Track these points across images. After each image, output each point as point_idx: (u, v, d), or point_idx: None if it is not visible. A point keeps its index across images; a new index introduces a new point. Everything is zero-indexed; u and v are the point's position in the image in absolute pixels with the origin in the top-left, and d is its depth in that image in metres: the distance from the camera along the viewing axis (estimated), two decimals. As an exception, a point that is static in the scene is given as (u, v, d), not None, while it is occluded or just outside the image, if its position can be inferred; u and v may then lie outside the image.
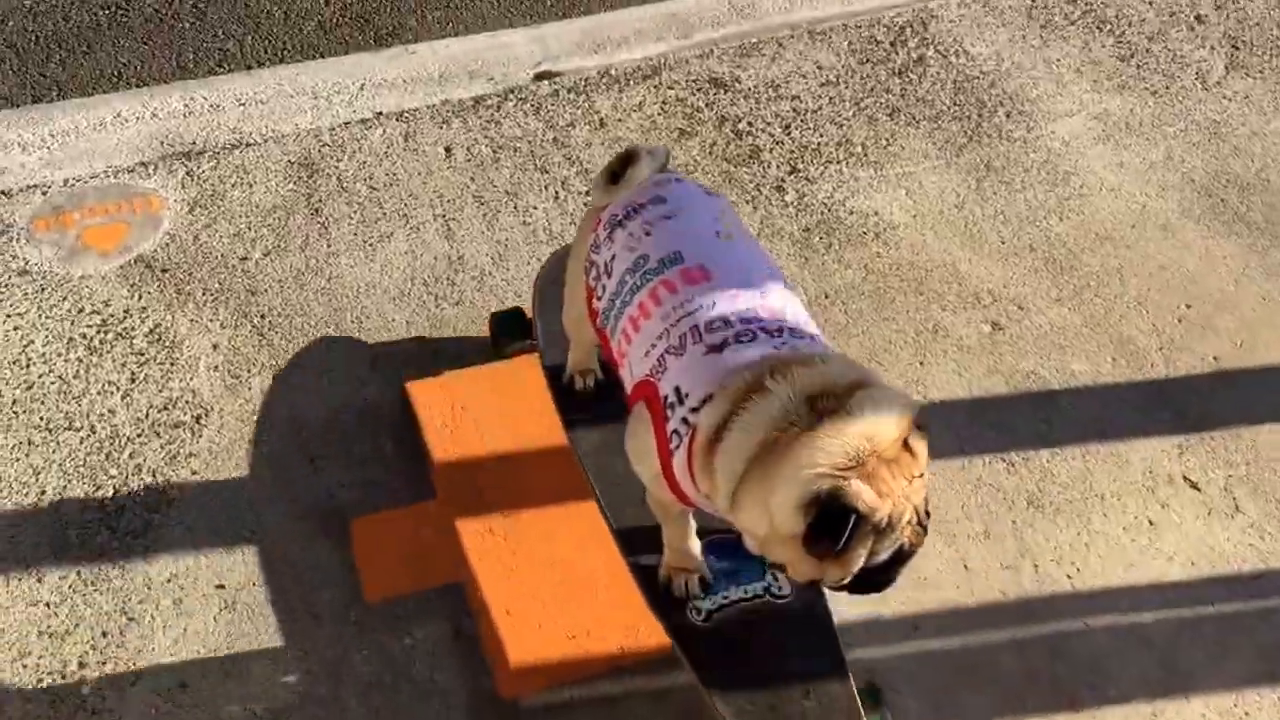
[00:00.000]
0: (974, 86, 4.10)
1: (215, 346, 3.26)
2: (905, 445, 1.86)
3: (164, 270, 3.45)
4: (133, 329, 3.29)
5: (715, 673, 2.27)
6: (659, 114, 3.97)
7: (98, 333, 3.28)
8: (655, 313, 2.13)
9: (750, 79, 4.11)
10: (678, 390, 2.02)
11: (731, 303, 2.08)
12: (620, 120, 3.94)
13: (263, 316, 3.33)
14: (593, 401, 2.73)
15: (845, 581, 1.92)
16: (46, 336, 3.26)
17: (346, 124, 3.93)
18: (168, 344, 3.25)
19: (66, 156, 3.84)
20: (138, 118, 3.98)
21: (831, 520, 1.81)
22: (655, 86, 4.08)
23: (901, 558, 1.92)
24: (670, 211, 2.26)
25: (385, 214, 3.62)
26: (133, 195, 3.68)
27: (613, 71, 4.15)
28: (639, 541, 2.45)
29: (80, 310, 3.33)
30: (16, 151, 3.85)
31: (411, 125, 3.93)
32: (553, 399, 2.78)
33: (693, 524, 2.36)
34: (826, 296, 3.40)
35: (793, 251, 3.52)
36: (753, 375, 1.93)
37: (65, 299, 3.36)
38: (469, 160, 3.82)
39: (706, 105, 4.01)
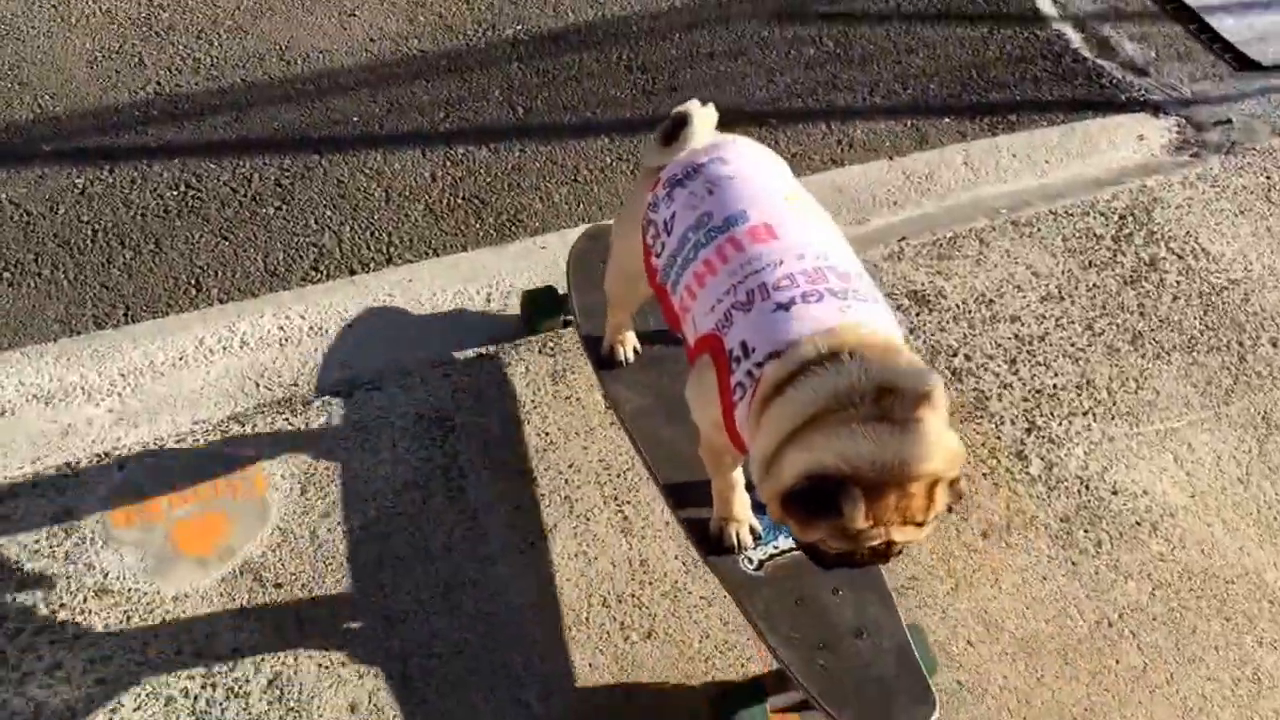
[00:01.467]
0: (1225, 302, 3.39)
1: (353, 708, 2.53)
2: (930, 487, 1.89)
3: (276, 584, 2.74)
4: (245, 681, 2.57)
5: (768, 616, 2.34)
6: (857, 345, 3.24)
7: (203, 688, 2.56)
8: (721, 269, 2.16)
9: (956, 291, 3.39)
10: (744, 345, 2.07)
11: (798, 262, 2.11)
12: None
13: (406, 658, 2.62)
14: (632, 371, 2.85)
15: (798, 542, 2.05)
16: (139, 697, 2.54)
17: (480, 355, 3.20)
18: (292, 703, 2.52)
19: (143, 407, 3.13)
20: (224, 347, 3.27)
21: (813, 499, 1.90)
22: (845, 303, 3.34)
23: (851, 561, 2.03)
24: (733, 172, 2.29)
25: (543, 492, 2.89)
26: (230, 468, 2.97)
27: None
28: (686, 497, 2.54)
29: (179, 652, 2.62)
30: (80, 400, 3.13)
31: (557, 356, 3.19)
32: (592, 367, 2.90)
33: (742, 477, 2.40)
34: (1110, 624, 2.70)
35: (1054, 552, 2.82)
36: (827, 343, 1.97)
37: (158, 634, 2.67)
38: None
39: (911, 329, 3.29)
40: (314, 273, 3.54)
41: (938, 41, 4.44)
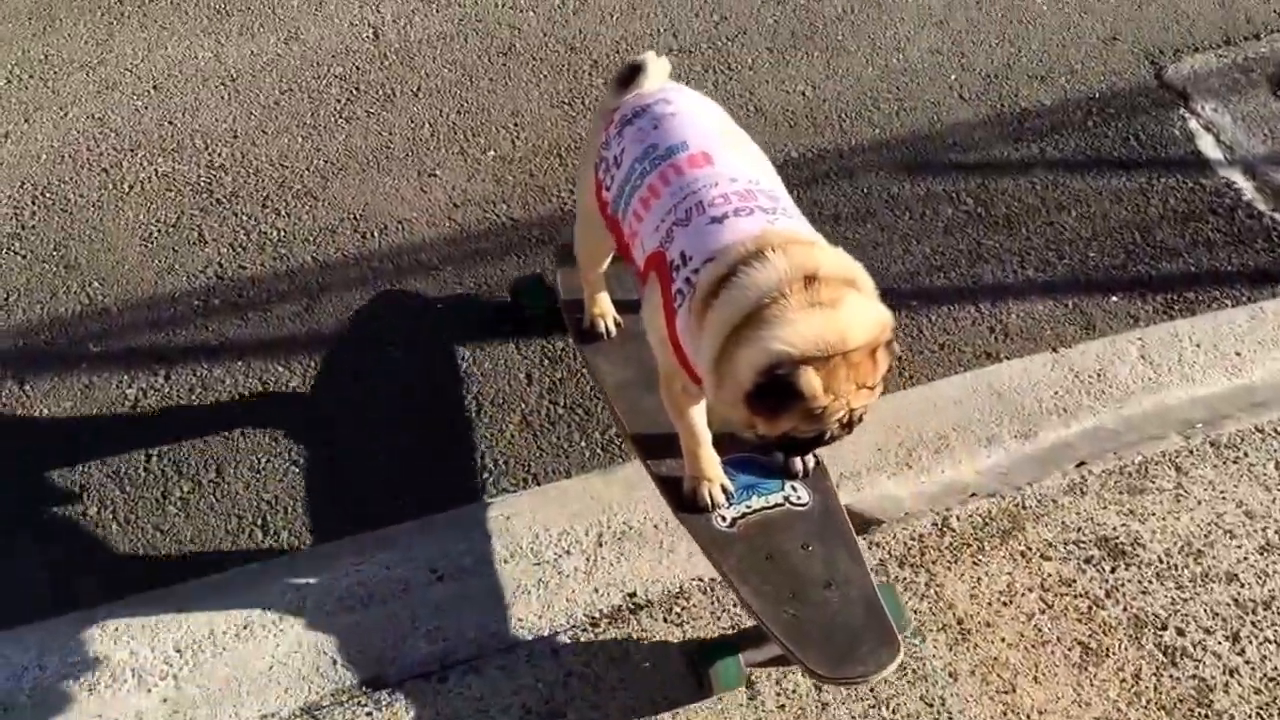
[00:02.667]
0: None
1: None
2: (871, 354, 2.12)
3: None
4: None
5: (739, 570, 2.43)
6: (1042, 611, 2.70)
7: None
8: (664, 192, 2.40)
9: (1156, 539, 2.84)
10: (683, 254, 2.29)
11: (731, 184, 2.35)
12: (989, 625, 2.77)
13: None
14: (613, 344, 2.99)
15: (771, 439, 2.22)
16: None
17: (593, 621, 2.67)
18: None
19: (202, 695, 2.67)
20: (295, 610, 2.79)
21: (775, 390, 2.09)
22: (1020, 553, 2.83)
23: (821, 441, 2.23)
24: (675, 110, 2.54)
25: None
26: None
27: (949, 519, 2.86)
28: (662, 457, 2.64)
29: None
30: (130, 684, 2.64)
31: (685, 625, 2.73)
32: (572, 336, 3.06)
33: (708, 434, 2.53)
34: None
35: None
36: (754, 244, 2.18)
37: None
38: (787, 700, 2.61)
39: (1104, 591, 2.75)
40: (396, 506, 3.02)
41: (1090, 196, 3.89)
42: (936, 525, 2.91)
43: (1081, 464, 3.04)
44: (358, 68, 4.39)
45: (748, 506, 2.58)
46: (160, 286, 3.60)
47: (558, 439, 3.22)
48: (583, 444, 3.21)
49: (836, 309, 2.11)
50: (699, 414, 2.52)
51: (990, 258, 3.70)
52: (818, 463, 2.65)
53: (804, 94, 4.30)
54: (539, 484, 3.11)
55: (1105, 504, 2.94)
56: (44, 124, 4.14)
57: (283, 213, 3.84)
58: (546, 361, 3.39)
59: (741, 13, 4.66)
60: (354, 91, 4.28)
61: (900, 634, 2.39)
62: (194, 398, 3.30)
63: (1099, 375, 3.33)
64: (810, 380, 2.09)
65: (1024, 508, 2.93)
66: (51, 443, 3.21)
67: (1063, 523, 2.90)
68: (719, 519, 2.56)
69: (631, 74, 2.70)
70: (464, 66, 4.40)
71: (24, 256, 3.68)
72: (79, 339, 3.46)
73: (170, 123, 4.14)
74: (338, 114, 4.19)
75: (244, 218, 3.81)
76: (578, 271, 3.04)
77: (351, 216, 3.83)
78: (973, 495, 2.99)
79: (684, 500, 2.58)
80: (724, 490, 2.59)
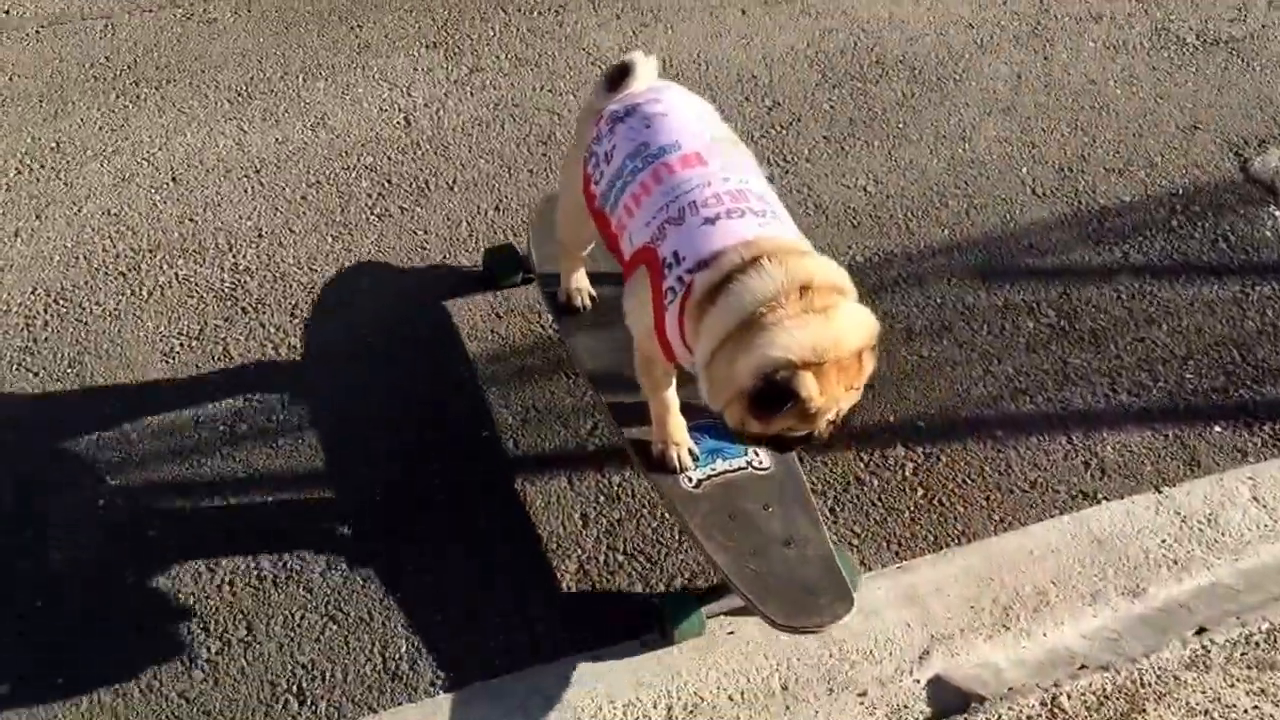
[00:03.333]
0: None
1: None
2: (858, 357, 2.28)
3: None
4: None
5: (704, 527, 2.61)
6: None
7: None
8: (656, 190, 2.49)
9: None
10: (675, 254, 2.39)
11: (724, 184, 2.45)
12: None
13: None
14: (588, 317, 3.13)
15: (758, 437, 2.38)
16: None
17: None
18: None
19: None
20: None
21: (773, 394, 2.24)
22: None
23: (809, 440, 2.40)
24: (666, 110, 2.64)
25: None
26: None
27: (1058, 697, 2.56)
28: (633, 422, 2.82)
29: None
30: None
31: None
32: (547, 308, 3.26)
33: (676, 400, 2.71)
34: None
35: None
36: (749, 251, 2.30)
37: None
38: None
39: (1241, 791, 2.41)
40: (444, 674, 2.72)
41: (1181, 306, 3.60)
42: (1045, 705, 2.61)
43: (1201, 630, 2.74)
44: (389, 158, 4.12)
45: (713, 469, 2.75)
46: (183, 409, 3.30)
47: (618, 590, 2.92)
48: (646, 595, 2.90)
49: (830, 316, 2.25)
50: (670, 388, 2.71)
51: (1078, 379, 3.41)
52: None
53: (866, 189, 4.02)
54: (600, 644, 2.79)
55: (1233, 681, 2.65)
56: (56, 220, 3.86)
57: (313, 325, 3.54)
58: (603, 499, 3.11)
59: (794, 97, 4.40)
60: (385, 184, 4.01)
61: (854, 591, 2.56)
62: (220, 541, 2.99)
63: (1210, 520, 3.03)
64: (808, 384, 2.23)
65: (1142, 684, 2.64)
66: (67, 589, 2.90)
67: (1187, 703, 2.60)
68: (686, 480, 2.72)
69: (621, 74, 2.80)
70: (501, 156, 4.13)
71: (37, 374, 3.40)
72: (96, 469, 3.15)
73: (191, 219, 3.87)
74: (369, 209, 3.92)
75: (271, 330, 3.53)
76: (553, 244, 3.20)
77: (385, 328, 3.53)
78: (1082, 667, 2.70)
79: (653, 462, 2.74)
80: (691, 454, 2.74)
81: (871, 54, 4.62)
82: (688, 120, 2.64)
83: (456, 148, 4.14)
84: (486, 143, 4.19)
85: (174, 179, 4.04)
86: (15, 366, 3.43)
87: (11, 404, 3.33)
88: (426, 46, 4.66)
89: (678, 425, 2.75)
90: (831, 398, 2.28)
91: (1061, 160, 4.16)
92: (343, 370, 3.43)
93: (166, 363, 3.46)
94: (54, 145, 4.17)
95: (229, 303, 3.63)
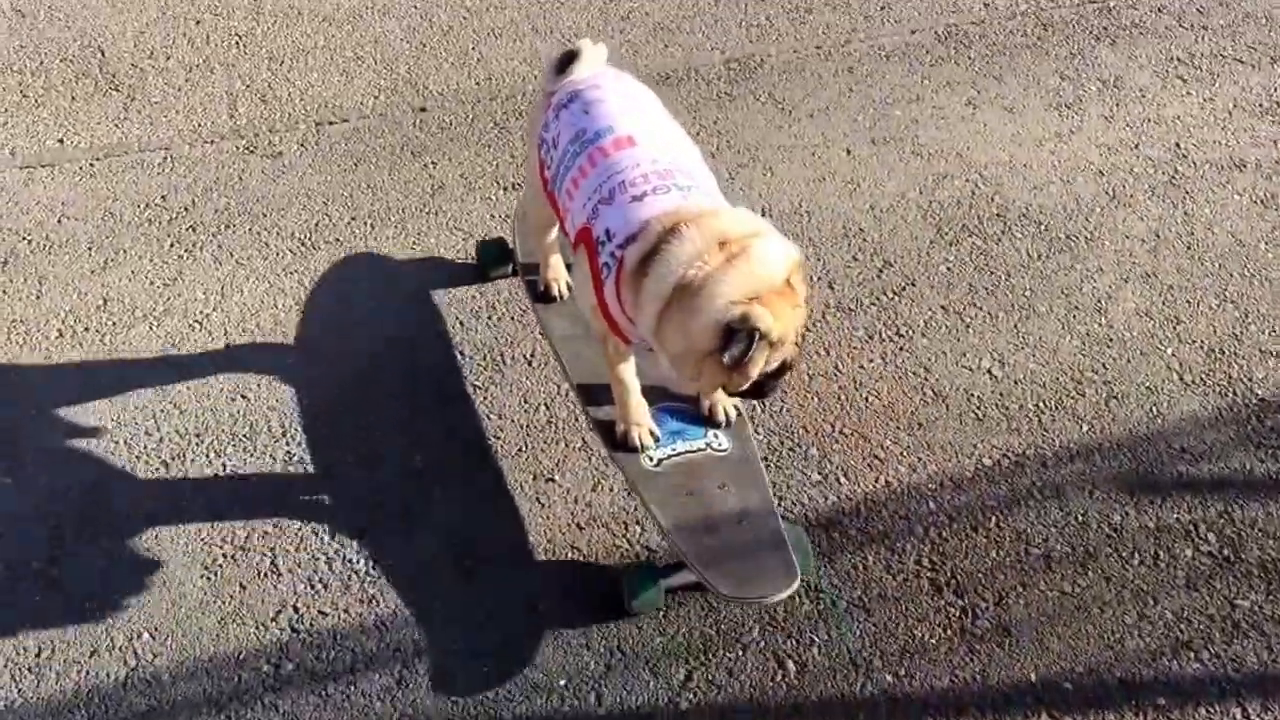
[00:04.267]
0: None
1: None
2: (789, 282, 2.49)
3: None
4: None
5: (662, 504, 2.78)
6: None
7: None
8: (591, 172, 2.70)
9: None
10: (607, 231, 2.60)
11: (652, 165, 2.66)
12: None
13: None
14: (563, 305, 3.34)
15: (744, 388, 2.55)
16: None
17: None
18: None
19: None
20: None
21: (740, 341, 2.41)
22: None
23: (785, 368, 2.58)
24: (604, 96, 2.84)
25: None
26: None
27: None
28: (603, 403, 2.99)
29: None
30: None
31: None
32: (528, 295, 3.45)
33: (637, 383, 2.89)
34: None
35: None
36: (670, 221, 2.52)
37: None
38: None
39: None
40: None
41: (1366, 533, 3.07)
42: None
43: None
44: (461, 322, 3.71)
45: (673, 449, 2.90)
46: (223, 640, 2.92)
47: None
48: None
49: (748, 256, 2.45)
50: (629, 369, 2.85)
51: (1250, 629, 2.93)
52: (739, 413, 2.99)
53: (990, 372, 3.56)
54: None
55: None
56: (98, 400, 3.47)
57: (371, 536, 3.12)
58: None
59: (907, 256, 3.96)
60: (459, 355, 3.59)
61: (803, 575, 2.75)
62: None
63: None
64: (763, 315, 2.41)
65: None
66: None
67: None
68: (647, 459, 2.87)
69: (567, 60, 2.95)
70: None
71: (62, 594, 2.99)
72: (123, 718, 2.74)
73: (243, 396, 3.49)
74: (435, 389, 3.49)
75: (324, 540, 3.10)
76: (531, 238, 3.38)
77: (454, 541, 3.10)
78: None
79: (616, 441, 2.91)
80: (652, 434, 2.90)
81: (991, 205, 4.16)
82: (623, 105, 2.82)
83: (530, 318, 3.72)
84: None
85: (226, 346, 3.66)
86: (38, 585, 3.07)
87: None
88: (504, 189, 4.26)
89: (638, 407, 2.92)
90: (785, 321, 2.47)
91: (1210, 339, 3.67)
92: (403, 593, 3.01)
93: (207, 579, 3.12)
94: (101, 302, 3.83)
95: (277, 501, 3.21)
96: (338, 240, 4.08)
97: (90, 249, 4.06)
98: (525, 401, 3.53)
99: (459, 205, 4.22)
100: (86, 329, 3.77)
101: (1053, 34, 5.05)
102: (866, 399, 3.50)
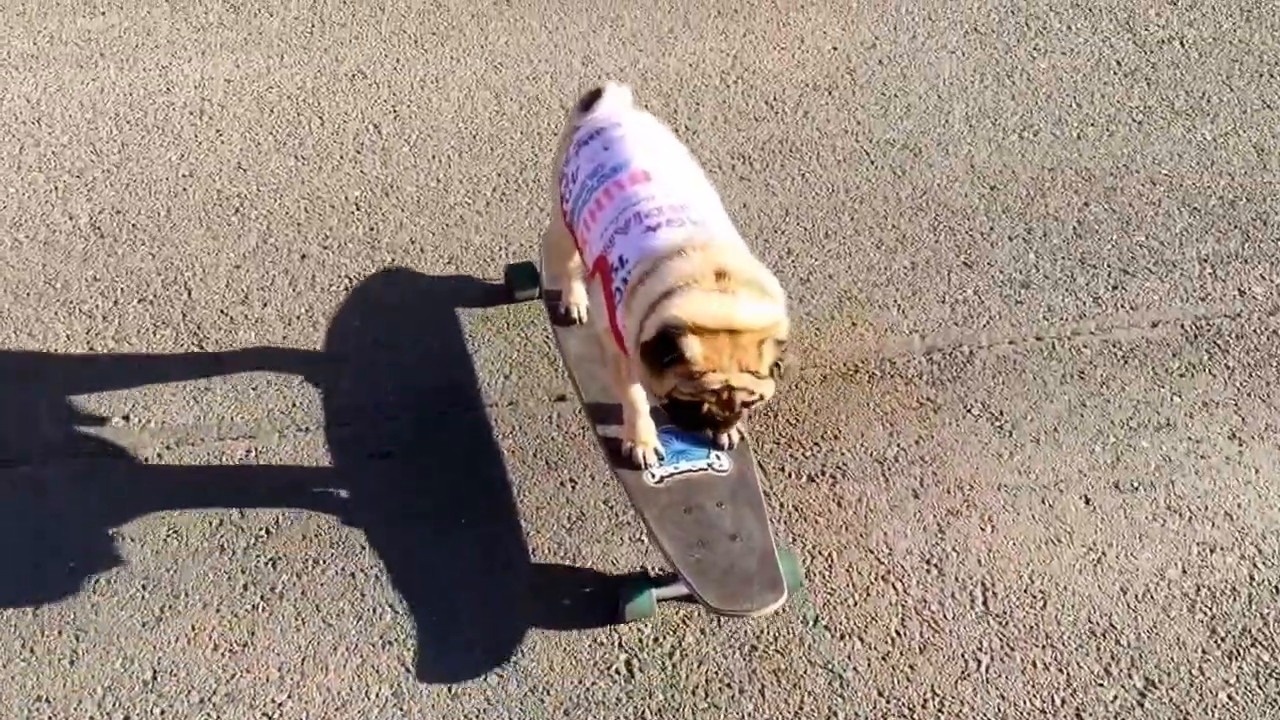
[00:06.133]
0: None
1: None
2: (759, 343, 2.62)
3: None
4: None
5: (660, 519, 2.95)
6: None
7: None
8: (608, 205, 2.89)
9: None
10: (620, 258, 2.79)
11: (667, 198, 2.84)
12: None
13: None
14: (581, 328, 3.53)
15: (664, 400, 2.74)
16: None
17: None
18: None
19: None
20: None
21: (661, 346, 2.62)
22: None
23: (702, 416, 2.74)
24: (624, 134, 3.05)
25: None
26: None
27: None
28: (611, 421, 3.18)
29: None
30: None
31: None
32: (549, 319, 3.66)
33: (646, 405, 3.06)
34: None
35: None
36: (680, 245, 2.71)
37: None
38: None
39: None
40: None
41: None
42: None
43: None
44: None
45: (675, 468, 3.08)
46: None
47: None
48: None
49: (733, 296, 2.62)
50: (638, 390, 3.00)
51: None
52: (742, 437, 3.14)
53: None
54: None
55: None
56: None
57: None
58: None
59: (1175, 673, 3.10)
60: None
61: (790, 591, 2.92)
62: None
63: None
64: (691, 343, 2.59)
65: None
66: None
67: None
68: (649, 476, 3.07)
69: (592, 99, 3.19)
70: None
71: None
72: None
73: None
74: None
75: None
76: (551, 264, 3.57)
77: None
78: None
79: (620, 458, 3.09)
80: (656, 453, 3.09)
81: (1278, 599, 3.17)
82: (641, 141, 3.01)
83: None
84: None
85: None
86: None
87: None
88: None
89: (646, 427, 3.08)
90: (718, 367, 2.60)
91: None
92: None
93: None
94: (149, 677, 2.96)
95: None
96: (443, 606, 3.18)
97: (145, 586, 3.23)
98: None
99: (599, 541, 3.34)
100: (126, 715, 2.88)
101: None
102: None
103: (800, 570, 3.18)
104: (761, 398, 2.74)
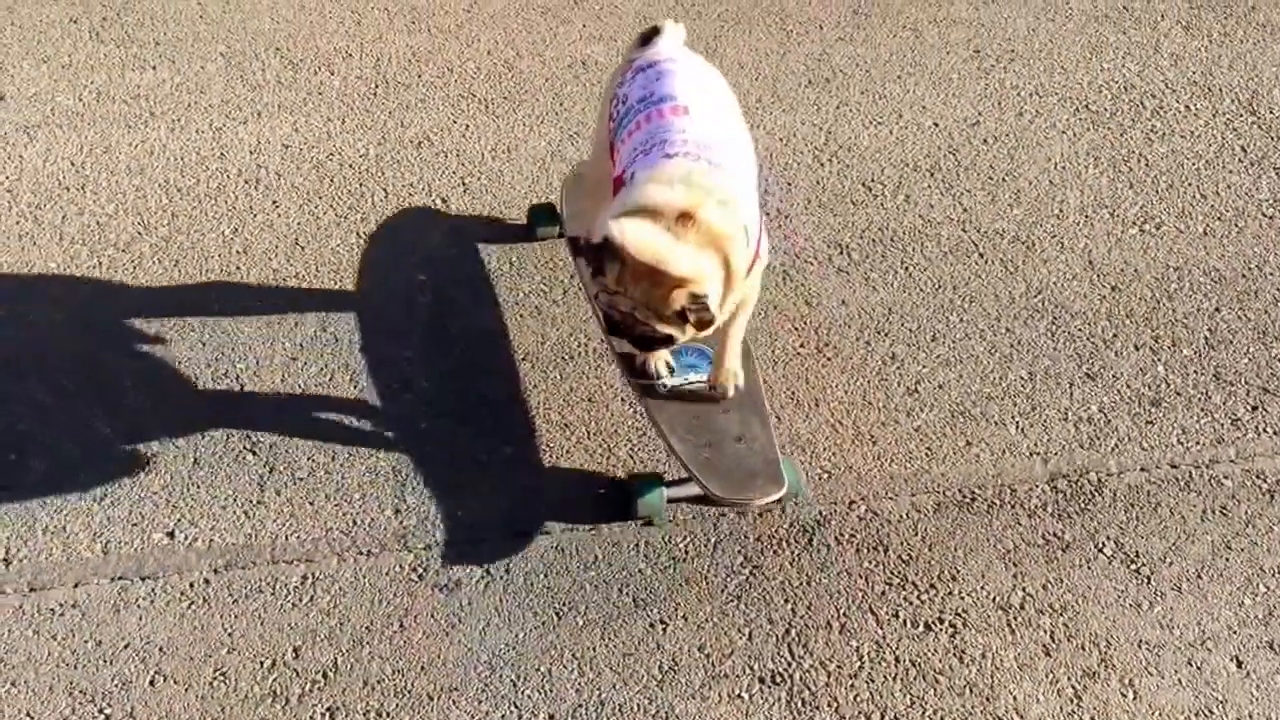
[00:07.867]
0: None
1: None
2: (671, 287, 2.76)
3: None
4: None
5: (670, 423, 3.23)
6: None
7: None
8: (644, 128, 3.04)
9: None
10: (632, 175, 2.94)
11: (697, 134, 2.95)
12: None
13: None
14: None
15: (599, 301, 2.95)
16: None
17: None
18: None
19: None
20: None
21: (593, 250, 2.83)
22: None
23: (614, 324, 2.97)
24: (676, 69, 3.18)
25: None
26: None
27: None
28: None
29: None
30: None
31: None
32: (573, 260, 3.85)
33: None
34: None
35: None
36: (673, 176, 2.83)
37: None
38: None
39: None
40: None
41: None
42: None
43: None
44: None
45: (686, 380, 3.35)
46: None
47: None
48: None
49: (675, 240, 2.74)
50: None
51: None
52: (748, 351, 3.42)
53: None
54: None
55: None
56: None
57: None
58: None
59: None
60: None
61: (794, 496, 3.29)
62: None
63: None
64: (611, 261, 2.76)
65: None
66: None
67: None
68: (661, 386, 3.32)
69: (651, 35, 3.33)
70: None
71: None
72: None
73: None
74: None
75: None
76: (577, 200, 3.81)
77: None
78: None
79: (634, 370, 3.31)
80: (667, 365, 3.32)
81: None
82: (690, 80, 3.16)
83: None
84: None
85: None
86: None
87: None
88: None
89: None
90: (628, 295, 2.82)
91: None
92: None
93: None
94: None
95: None
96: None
97: (186, 735, 2.81)
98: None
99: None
100: None
101: None
102: None
103: (802, 478, 3.41)
104: (670, 338, 2.92)
